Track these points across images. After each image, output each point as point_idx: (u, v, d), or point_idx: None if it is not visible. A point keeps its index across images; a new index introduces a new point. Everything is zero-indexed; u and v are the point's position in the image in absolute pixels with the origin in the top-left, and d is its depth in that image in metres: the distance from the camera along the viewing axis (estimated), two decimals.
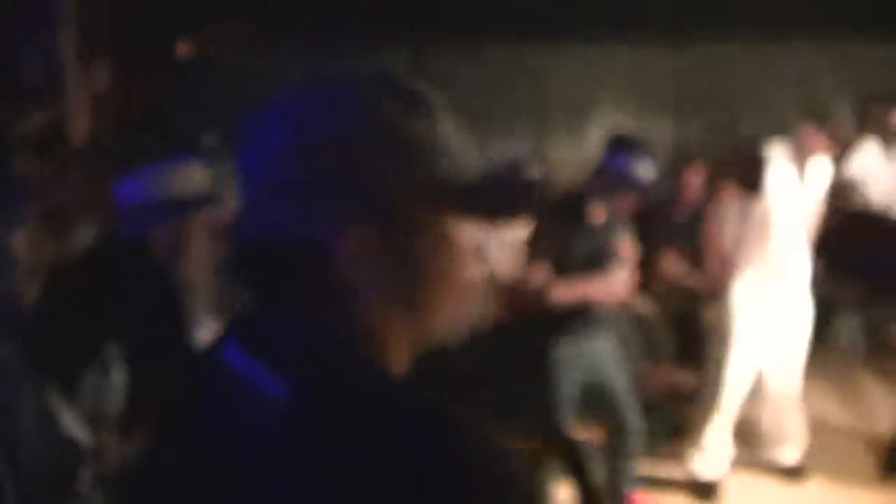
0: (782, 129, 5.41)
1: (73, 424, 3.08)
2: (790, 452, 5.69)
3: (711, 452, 5.50)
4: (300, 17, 6.00)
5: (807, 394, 6.42)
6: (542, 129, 7.01)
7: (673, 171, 7.30)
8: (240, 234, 1.23)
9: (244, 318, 1.26)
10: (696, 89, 7.44)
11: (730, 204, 5.37)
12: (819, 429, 6.20)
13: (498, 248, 4.88)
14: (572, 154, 7.08)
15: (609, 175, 4.68)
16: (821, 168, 5.32)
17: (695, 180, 6.91)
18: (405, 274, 1.22)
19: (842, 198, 7.62)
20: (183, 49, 5.82)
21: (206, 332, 4.32)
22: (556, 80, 6.91)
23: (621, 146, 4.71)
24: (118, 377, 3.41)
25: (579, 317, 4.67)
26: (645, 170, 4.63)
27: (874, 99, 7.59)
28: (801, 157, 5.19)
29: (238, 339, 1.23)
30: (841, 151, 5.75)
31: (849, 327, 7.81)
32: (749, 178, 5.20)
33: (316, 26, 6.00)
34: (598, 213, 4.71)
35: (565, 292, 4.57)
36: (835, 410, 6.63)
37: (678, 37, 7.16)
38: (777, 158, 5.21)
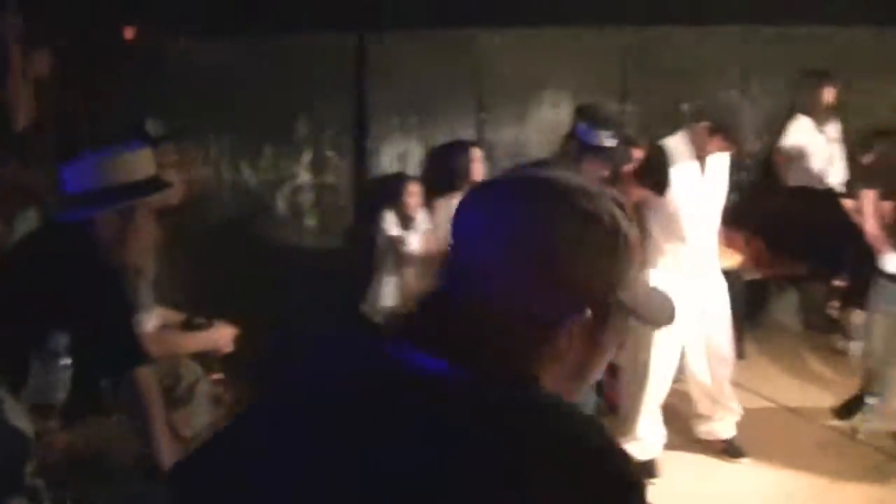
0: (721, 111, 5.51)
1: (18, 415, 3.07)
2: (725, 428, 5.78)
3: (643, 434, 5.59)
4: (244, 5, 5.96)
5: (746, 371, 6.56)
6: (487, 113, 7.03)
7: None
8: (464, 290, 1.40)
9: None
10: (641, 70, 7.51)
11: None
12: (759, 405, 6.34)
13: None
14: (516, 137, 7.13)
15: (574, 141, 4.81)
16: (721, 161, 5.45)
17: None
18: (593, 354, 1.45)
19: (777, 175, 7.77)
20: (128, 34, 5.79)
21: (149, 317, 4.31)
22: (499, 63, 6.92)
23: (585, 114, 4.85)
24: (63, 365, 3.40)
25: None
26: (605, 136, 4.75)
27: (806, 76, 7.73)
28: (700, 153, 5.32)
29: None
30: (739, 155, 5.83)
31: (787, 305, 7.95)
32: (654, 179, 5.34)
33: (260, 15, 5.97)
34: None
35: None
36: (774, 387, 6.75)
37: (622, 18, 7.22)
38: (678, 154, 5.33)
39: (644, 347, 5.44)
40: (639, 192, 5.27)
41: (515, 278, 1.36)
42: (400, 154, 6.81)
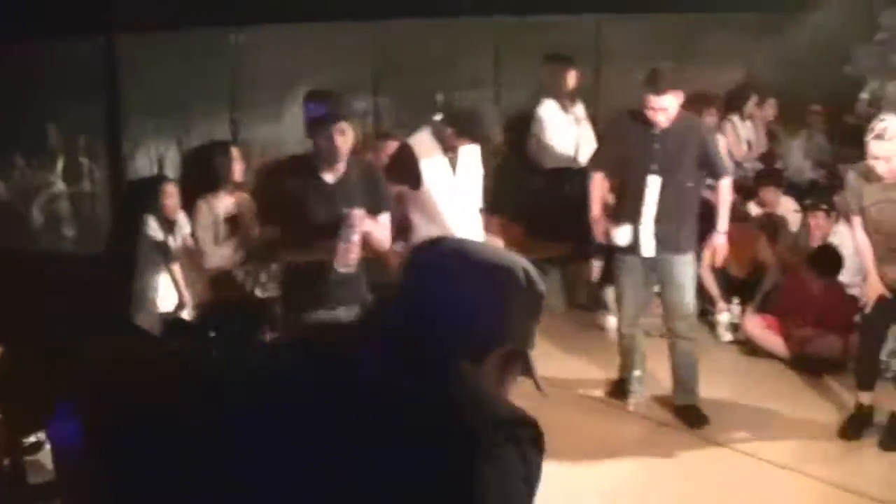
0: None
1: None
2: None
3: None
4: None
5: None
6: (241, 112, 7.00)
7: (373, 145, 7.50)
8: (420, 315, 1.85)
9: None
10: (394, 64, 7.62)
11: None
12: (530, 383, 6.52)
13: None
14: (273, 134, 7.12)
15: (306, 121, 4.95)
16: (472, 151, 5.64)
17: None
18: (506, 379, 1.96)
19: (532, 158, 8.01)
20: None
21: None
22: (253, 61, 6.90)
23: (310, 95, 5.00)
24: None
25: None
26: (333, 105, 4.86)
27: (550, 61, 8.01)
28: (447, 147, 5.50)
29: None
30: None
31: (551, 286, 8.19)
32: (404, 175, 5.49)
33: (7, 15, 5.74)
34: (328, 172, 4.82)
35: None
36: (545, 365, 6.93)
37: (375, 12, 7.30)
38: (425, 149, 5.49)
39: None
40: (394, 187, 5.35)
41: (465, 318, 1.84)
42: (157, 157, 6.70)
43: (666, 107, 5.63)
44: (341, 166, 4.81)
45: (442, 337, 1.82)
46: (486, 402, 1.80)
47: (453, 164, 5.51)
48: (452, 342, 1.82)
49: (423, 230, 5.44)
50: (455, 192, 5.52)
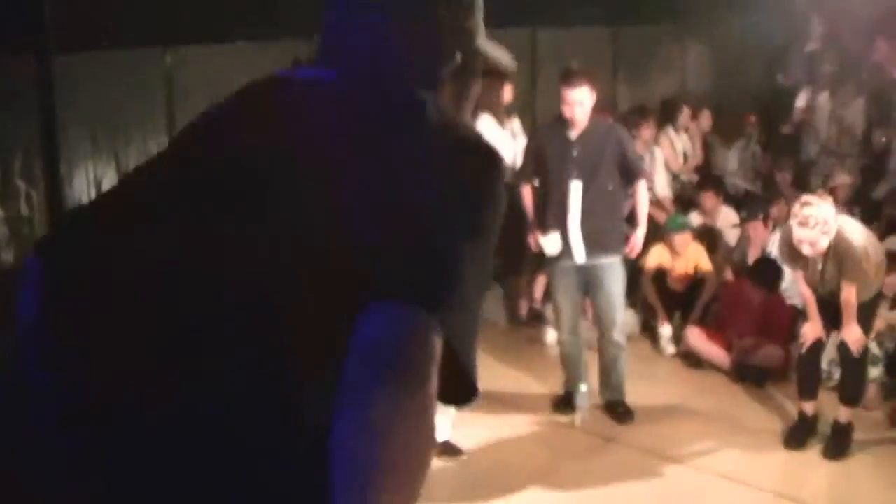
0: None
1: None
2: (440, 431, 5.82)
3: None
4: None
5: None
6: (178, 130, 6.91)
7: None
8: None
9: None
10: None
11: None
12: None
13: None
14: None
15: None
16: None
17: None
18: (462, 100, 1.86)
19: None
20: None
21: None
22: (187, 79, 6.81)
23: None
24: None
25: None
26: None
27: (485, 75, 7.99)
28: None
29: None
30: None
31: (493, 301, 8.15)
32: None
33: None
34: None
35: None
36: (489, 382, 6.88)
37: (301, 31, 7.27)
38: None
39: None
40: None
41: (403, 39, 1.72)
42: (94, 179, 6.58)
43: (581, 100, 5.85)
44: None
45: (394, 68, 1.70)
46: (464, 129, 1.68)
47: None
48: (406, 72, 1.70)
49: None
50: None
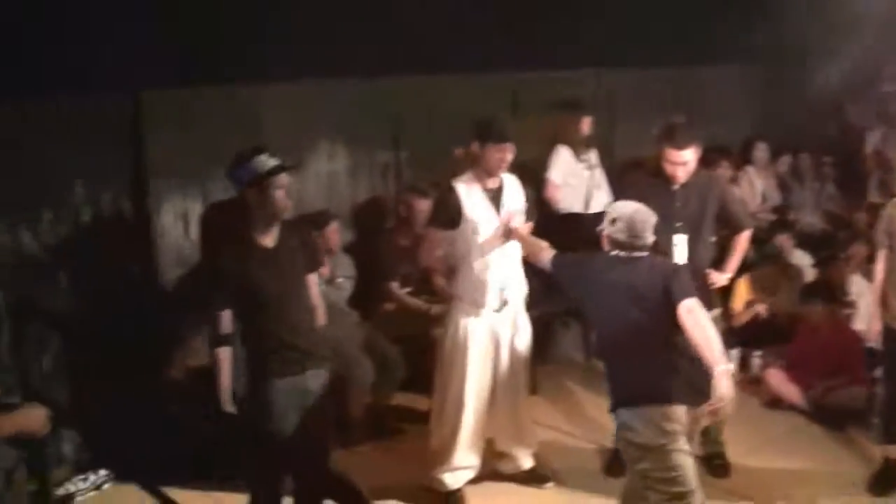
0: None
1: None
2: (525, 461, 5.93)
3: (459, 463, 5.68)
4: (9, 67, 5.67)
5: (537, 406, 6.74)
6: None
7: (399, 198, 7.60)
8: None
9: None
10: (413, 117, 7.69)
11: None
12: (552, 437, 6.60)
13: None
14: (294, 188, 7.09)
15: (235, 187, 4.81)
16: (512, 185, 5.68)
17: (422, 205, 7.03)
18: None
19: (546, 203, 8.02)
20: None
21: None
22: (269, 116, 6.89)
23: (234, 161, 4.82)
24: None
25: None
26: (256, 164, 4.73)
27: (563, 108, 8.12)
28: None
29: None
30: None
31: (572, 339, 8.18)
32: (442, 215, 5.58)
33: (27, 75, 5.72)
34: (266, 238, 4.75)
35: None
36: (565, 419, 7.04)
37: (394, 69, 7.36)
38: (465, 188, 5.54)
39: (458, 377, 5.59)
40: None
41: None
42: (181, 213, 6.70)
43: (687, 160, 5.55)
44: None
45: None
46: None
47: (496, 197, 5.57)
48: None
49: (467, 265, 5.55)
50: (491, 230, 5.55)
